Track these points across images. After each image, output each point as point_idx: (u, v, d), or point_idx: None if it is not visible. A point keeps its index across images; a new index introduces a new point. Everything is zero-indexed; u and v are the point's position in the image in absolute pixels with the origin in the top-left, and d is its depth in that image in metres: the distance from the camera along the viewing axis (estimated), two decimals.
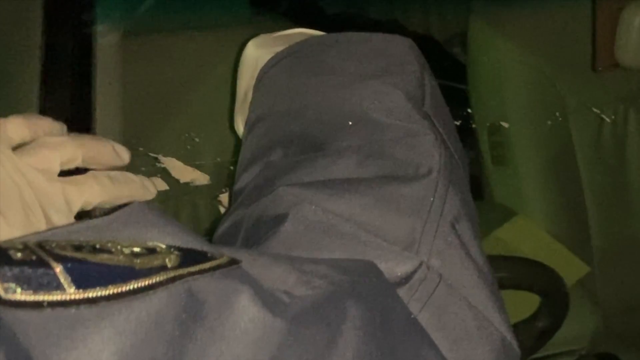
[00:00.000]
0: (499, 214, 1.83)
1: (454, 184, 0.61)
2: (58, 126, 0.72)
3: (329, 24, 2.36)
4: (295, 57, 0.70)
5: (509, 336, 0.59)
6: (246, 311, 0.42)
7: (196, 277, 0.42)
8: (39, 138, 0.66)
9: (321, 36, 0.72)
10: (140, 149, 1.12)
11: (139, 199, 0.74)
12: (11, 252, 0.39)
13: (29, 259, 0.39)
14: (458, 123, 1.88)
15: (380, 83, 0.65)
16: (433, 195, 0.59)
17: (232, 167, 1.16)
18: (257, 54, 0.75)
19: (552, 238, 1.80)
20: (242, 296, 0.43)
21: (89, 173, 0.71)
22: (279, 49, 0.72)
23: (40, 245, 0.41)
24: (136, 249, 0.43)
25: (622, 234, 1.93)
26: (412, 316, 0.53)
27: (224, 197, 1.14)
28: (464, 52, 2.07)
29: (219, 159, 1.16)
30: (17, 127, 0.65)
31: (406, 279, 0.55)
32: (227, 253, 0.47)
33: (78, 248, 0.41)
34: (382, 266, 0.54)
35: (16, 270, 0.38)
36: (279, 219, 0.58)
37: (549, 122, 1.81)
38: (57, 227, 0.46)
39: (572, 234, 1.85)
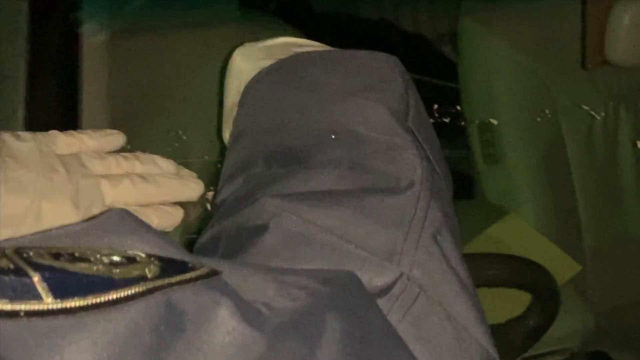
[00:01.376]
0: (490, 213, 1.84)
1: (435, 198, 0.61)
2: (108, 140, 0.77)
3: (319, 23, 2.37)
4: (280, 72, 0.71)
5: (490, 349, 0.59)
6: (225, 324, 0.42)
7: (176, 288, 0.42)
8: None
9: (306, 52, 0.72)
10: (128, 146, 1.11)
11: (178, 199, 0.76)
12: None
13: (7, 267, 0.39)
14: (447, 120, 1.89)
15: (364, 98, 0.65)
16: (415, 207, 0.59)
17: (219, 166, 1.15)
18: (243, 66, 0.75)
19: (544, 236, 1.80)
20: (222, 308, 0.43)
21: (124, 173, 0.74)
22: (265, 62, 0.73)
23: (18, 252, 0.40)
24: (115, 258, 0.43)
25: (613, 232, 1.93)
26: (391, 328, 0.53)
27: (212, 195, 1.14)
28: (454, 51, 2.07)
29: (206, 157, 1.16)
30: (64, 141, 0.71)
31: (386, 289, 0.55)
32: (207, 263, 0.46)
33: (56, 256, 0.41)
34: (362, 277, 0.54)
35: None
36: (259, 229, 0.58)
37: (539, 119, 1.82)
38: (35, 233, 0.46)
39: (564, 232, 1.86)
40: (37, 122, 0.81)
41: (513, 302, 1.44)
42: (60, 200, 0.68)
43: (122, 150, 1.10)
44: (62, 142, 0.72)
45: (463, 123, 1.88)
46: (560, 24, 1.84)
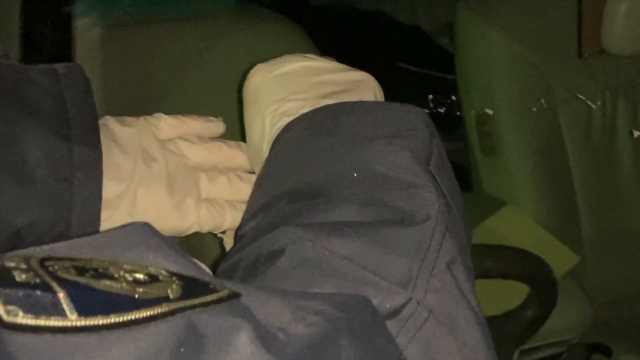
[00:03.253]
0: (488, 205, 1.84)
1: (450, 232, 0.62)
2: (209, 126, 0.84)
3: (315, 15, 2.37)
4: (309, 122, 0.72)
5: None
6: (244, 349, 0.42)
7: (197, 310, 0.43)
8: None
9: (338, 103, 0.73)
10: None
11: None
12: (15, 273, 0.39)
13: (33, 281, 0.39)
14: (442, 110, 1.90)
15: (388, 143, 0.67)
16: (430, 238, 0.60)
17: None
18: (263, 105, 0.78)
19: (542, 228, 1.81)
20: (241, 333, 0.43)
21: (222, 171, 0.80)
22: (288, 103, 0.75)
23: (44, 265, 0.41)
24: (139, 276, 0.43)
25: (612, 223, 1.94)
26: (401, 355, 0.54)
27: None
28: (452, 43, 2.08)
29: None
30: (167, 124, 0.79)
31: (394, 312, 0.56)
32: (227, 285, 0.47)
33: (81, 271, 0.41)
34: (373, 301, 0.55)
35: (20, 293, 0.38)
36: (276, 255, 0.59)
37: (536, 110, 1.82)
38: (59, 243, 0.46)
39: (562, 224, 1.86)
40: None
41: (511, 294, 1.45)
42: (156, 187, 0.73)
43: None
44: (167, 124, 0.78)
45: (458, 113, 1.88)
46: (557, 14, 1.85)
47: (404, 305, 0.56)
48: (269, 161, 0.74)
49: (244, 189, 0.79)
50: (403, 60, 2.18)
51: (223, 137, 1.14)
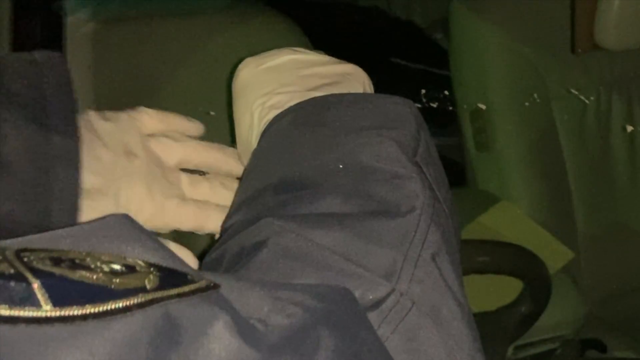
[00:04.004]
0: (482, 200, 1.84)
1: (436, 223, 0.63)
2: (191, 125, 0.83)
3: (309, 10, 2.37)
4: (297, 114, 0.72)
5: None
6: (221, 339, 0.43)
7: (174, 300, 0.43)
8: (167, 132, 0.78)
9: (325, 95, 0.73)
10: None
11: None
12: None
13: (7, 272, 0.39)
14: (435, 105, 1.90)
15: (375, 135, 0.67)
16: (415, 229, 0.61)
17: None
18: (251, 97, 0.78)
19: (536, 224, 1.81)
20: (219, 323, 0.43)
21: (205, 176, 0.79)
22: (277, 96, 0.75)
23: (19, 256, 0.41)
24: (115, 266, 0.43)
25: (606, 219, 1.94)
26: (382, 346, 0.54)
27: None
28: (446, 38, 2.08)
29: None
30: (151, 119, 0.78)
31: (377, 303, 0.56)
32: (206, 276, 0.47)
33: (57, 262, 0.41)
34: (355, 292, 0.55)
35: None
36: (258, 246, 0.59)
37: (530, 105, 1.82)
38: (37, 235, 0.46)
39: (557, 219, 1.86)
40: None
41: (504, 290, 1.45)
42: (136, 182, 0.73)
43: None
44: (150, 119, 0.78)
45: (451, 108, 1.89)
46: (551, 9, 1.85)
47: (386, 297, 0.57)
48: (255, 154, 0.74)
49: (225, 196, 0.79)
50: (397, 55, 2.18)
51: (216, 133, 1.14)
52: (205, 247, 0.98)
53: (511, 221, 1.79)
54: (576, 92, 1.82)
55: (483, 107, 1.84)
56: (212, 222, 0.78)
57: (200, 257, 0.69)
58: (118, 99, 1.14)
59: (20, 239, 0.45)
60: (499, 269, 1.35)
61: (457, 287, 0.62)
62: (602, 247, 1.93)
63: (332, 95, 0.73)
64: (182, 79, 1.21)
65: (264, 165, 0.71)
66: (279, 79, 0.77)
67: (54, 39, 1.09)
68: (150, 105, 1.17)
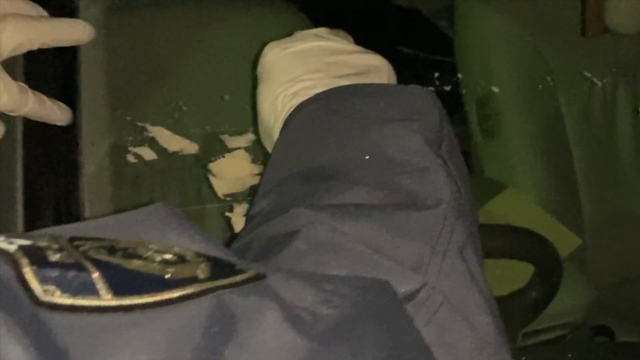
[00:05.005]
0: (488, 188, 1.85)
1: (462, 217, 0.63)
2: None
3: None
4: (321, 102, 0.73)
5: (507, 358, 0.61)
6: (273, 328, 0.43)
7: (227, 290, 0.44)
8: None
9: (350, 85, 0.74)
10: (128, 118, 1.12)
11: (70, 41, 0.77)
12: (49, 253, 0.40)
13: (67, 261, 0.40)
14: (448, 88, 1.90)
15: (400, 127, 0.68)
16: (442, 223, 0.62)
17: (220, 136, 1.17)
18: (275, 83, 0.78)
19: (543, 210, 1.81)
20: (270, 313, 0.44)
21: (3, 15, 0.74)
22: (302, 83, 0.76)
23: (75, 245, 0.42)
24: (167, 256, 0.44)
25: (613, 206, 1.95)
26: (421, 337, 0.54)
27: (213, 166, 1.15)
28: (450, 26, 2.08)
29: (207, 128, 1.17)
30: None
31: (410, 296, 0.57)
32: (252, 267, 0.48)
33: (112, 252, 0.42)
34: None
35: (55, 272, 0.39)
36: (290, 237, 0.60)
37: (536, 92, 1.83)
38: (82, 223, 0.47)
39: (563, 206, 1.87)
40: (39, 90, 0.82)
41: (515, 275, 1.45)
42: None
43: (122, 121, 1.11)
44: None
45: (465, 91, 1.89)
46: None
47: (418, 290, 0.57)
48: (280, 141, 0.74)
49: (41, 29, 0.74)
50: (402, 43, 2.18)
51: (230, 117, 1.15)
52: (222, 237, 0.98)
53: (518, 208, 1.80)
54: (589, 75, 1.83)
55: (488, 94, 1.84)
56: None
57: None
58: (131, 84, 1.15)
59: (68, 226, 0.46)
60: (511, 254, 1.35)
61: (483, 281, 0.63)
62: (608, 234, 1.93)
63: (357, 85, 0.74)
64: (195, 64, 1.22)
65: (289, 153, 0.72)
66: (305, 65, 0.77)
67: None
68: (164, 89, 1.18)
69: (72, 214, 0.96)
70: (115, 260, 0.42)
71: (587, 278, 1.76)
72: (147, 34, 1.24)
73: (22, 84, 0.76)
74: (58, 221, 0.93)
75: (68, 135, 0.95)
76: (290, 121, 0.74)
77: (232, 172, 1.13)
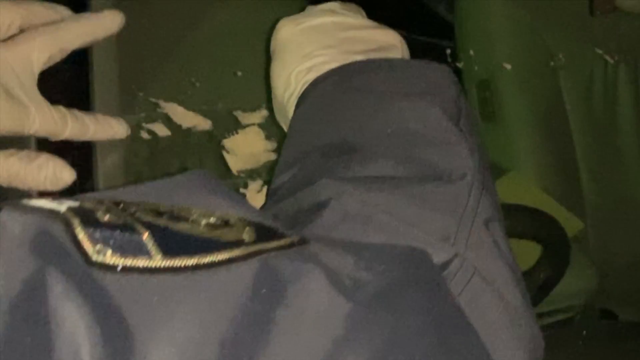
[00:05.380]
0: (491, 172, 1.84)
1: (487, 190, 0.64)
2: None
3: None
4: (338, 77, 0.73)
5: (537, 330, 0.62)
6: (319, 292, 0.44)
7: (273, 253, 0.44)
8: None
9: (365, 60, 0.74)
10: (140, 94, 1.12)
11: (95, 38, 0.76)
12: (98, 214, 0.40)
13: (117, 222, 0.40)
14: (461, 65, 1.90)
15: (419, 100, 0.69)
16: (468, 195, 0.62)
17: (233, 112, 1.17)
18: (289, 57, 0.78)
19: (545, 194, 1.82)
20: (315, 277, 0.44)
21: (27, 30, 0.73)
22: (316, 59, 0.76)
23: (122, 208, 0.42)
24: (212, 220, 0.44)
25: (614, 191, 1.95)
26: (459, 304, 0.55)
27: (227, 142, 1.15)
28: (449, 10, 2.08)
29: (220, 104, 1.17)
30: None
31: (442, 267, 0.57)
32: (294, 232, 0.48)
33: (158, 214, 0.43)
34: None
35: (106, 232, 0.39)
36: (319, 207, 0.60)
37: (537, 76, 1.83)
38: (123, 188, 0.47)
39: (564, 190, 1.87)
40: (49, 71, 0.81)
41: (523, 256, 1.46)
42: None
43: (135, 97, 1.11)
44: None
45: (465, 75, 1.89)
46: None
47: (450, 261, 0.58)
48: (298, 116, 0.75)
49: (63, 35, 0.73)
50: (399, 28, 2.18)
51: (243, 93, 1.14)
52: None
53: (521, 191, 1.80)
54: (600, 52, 1.83)
55: (490, 77, 1.84)
56: (69, 128, 0.75)
57: None
58: (143, 61, 1.15)
59: (109, 192, 0.46)
60: (519, 233, 1.36)
61: (509, 254, 0.63)
62: (610, 219, 1.94)
63: (373, 60, 0.74)
64: (207, 40, 1.22)
65: (308, 127, 0.72)
66: (319, 40, 0.77)
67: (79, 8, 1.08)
68: (176, 66, 1.18)
69: (85, 190, 0.95)
70: (163, 222, 0.42)
71: (590, 262, 1.77)
72: (158, 11, 1.24)
73: (62, 109, 0.75)
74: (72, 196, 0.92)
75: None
76: (306, 96, 0.74)
77: (246, 148, 1.13)
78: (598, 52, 1.85)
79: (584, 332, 1.58)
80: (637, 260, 1.94)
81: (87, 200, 0.42)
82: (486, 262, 0.60)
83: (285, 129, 0.82)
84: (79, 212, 0.39)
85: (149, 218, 0.42)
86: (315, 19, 0.79)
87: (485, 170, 0.67)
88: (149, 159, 1.10)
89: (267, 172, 1.15)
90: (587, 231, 1.88)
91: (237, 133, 1.15)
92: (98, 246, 0.38)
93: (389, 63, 0.74)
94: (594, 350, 1.54)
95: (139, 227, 0.40)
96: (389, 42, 0.80)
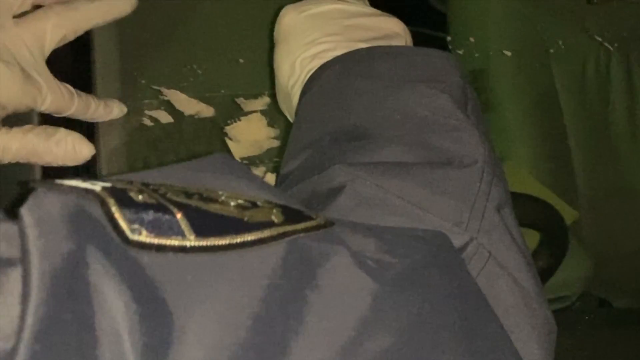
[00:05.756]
0: None
1: (498, 177, 0.65)
2: None
3: None
4: (344, 63, 0.75)
5: (549, 314, 0.63)
6: (347, 272, 0.45)
7: (301, 235, 0.45)
8: None
9: (372, 47, 0.76)
10: (143, 81, 1.12)
11: (108, 19, 0.77)
12: (131, 194, 0.41)
13: (150, 202, 0.41)
14: (461, 52, 1.91)
15: (427, 87, 0.70)
16: (479, 181, 0.63)
17: (236, 99, 1.17)
18: (293, 44, 0.78)
19: (540, 184, 1.83)
20: (342, 258, 0.45)
21: (42, 8, 0.73)
22: (320, 46, 0.77)
23: (154, 189, 0.42)
24: (240, 201, 0.45)
25: (607, 180, 1.96)
26: (478, 287, 0.56)
27: (230, 129, 1.15)
28: (440, 0, 2.09)
29: (223, 91, 1.17)
30: None
31: (459, 250, 0.58)
32: (320, 215, 0.49)
33: (188, 195, 0.43)
34: None
35: (140, 212, 0.40)
36: (334, 192, 0.61)
37: (528, 64, 1.84)
38: (148, 171, 0.48)
39: (558, 180, 1.88)
40: (51, 58, 0.81)
41: None
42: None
43: (137, 84, 1.11)
44: None
45: (471, 56, 1.90)
46: None
47: (466, 245, 0.59)
48: (305, 103, 0.75)
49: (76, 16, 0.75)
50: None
51: (246, 80, 1.14)
52: None
53: (517, 181, 1.81)
54: (600, 39, 1.84)
55: (483, 67, 1.85)
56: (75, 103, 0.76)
57: None
58: (144, 48, 1.15)
59: (134, 174, 0.46)
60: (520, 221, 1.36)
61: (521, 240, 0.64)
62: (603, 208, 1.95)
63: (378, 47, 0.75)
64: (209, 27, 1.21)
65: (317, 113, 0.73)
66: (323, 28, 0.78)
67: None
68: (177, 53, 1.18)
69: (90, 176, 0.96)
70: (194, 202, 0.42)
71: (584, 251, 1.78)
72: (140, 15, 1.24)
73: (69, 86, 0.76)
74: None
75: None
76: (311, 84, 0.75)
77: (249, 135, 1.13)
78: (596, 40, 1.86)
79: (587, 317, 1.59)
80: (630, 250, 1.96)
81: (117, 181, 0.42)
82: (499, 248, 0.61)
83: (288, 116, 0.83)
84: (113, 192, 0.40)
85: (180, 199, 0.42)
86: (319, 6, 0.80)
87: (495, 156, 0.68)
88: (152, 145, 1.10)
89: (270, 159, 1.15)
90: (581, 221, 1.89)
91: (239, 120, 1.15)
92: (133, 225, 0.39)
93: (394, 50, 0.75)
94: (594, 337, 1.56)
95: (172, 207, 0.41)
96: (392, 30, 0.80)
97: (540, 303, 0.63)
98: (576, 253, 1.72)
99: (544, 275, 1.46)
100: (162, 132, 1.10)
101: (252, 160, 1.14)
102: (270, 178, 1.13)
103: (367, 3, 0.88)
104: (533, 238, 1.45)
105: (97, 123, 0.94)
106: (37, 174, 0.85)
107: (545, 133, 1.87)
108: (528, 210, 1.38)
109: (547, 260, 1.44)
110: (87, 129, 0.94)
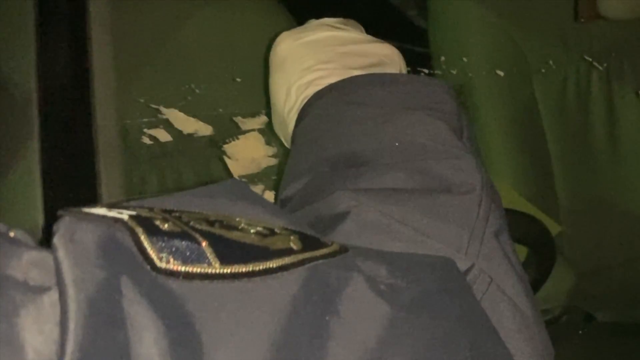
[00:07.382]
0: None
1: (495, 203, 0.67)
2: None
3: None
4: (340, 91, 0.76)
5: (547, 338, 0.65)
6: (364, 298, 0.47)
7: (321, 261, 0.47)
8: None
9: (367, 74, 0.77)
10: (141, 100, 1.14)
11: None
12: (157, 223, 0.42)
13: (176, 231, 0.42)
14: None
15: (424, 114, 0.71)
16: (478, 208, 0.65)
17: (233, 118, 1.20)
18: (291, 70, 0.81)
19: (522, 197, 1.85)
20: (358, 284, 0.47)
21: None
22: (316, 73, 0.79)
23: (178, 217, 0.44)
24: (259, 229, 0.46)
25: (588, 194, 1.99)
26: (484, 311, 0.58)
27: (228, 148, 1.18)
28: (420, 15, 2.11)
29: (220, 110, 1.19)
30: None
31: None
32: (334, 241, 0.51)
33: (210, 223, 0.45)
34: None
35: (168, 241, 0.41)
36: (338, 218, 0.63)
37: (508, 79, 1.87)
38: (165, 196, 0.49)
39: (540, 193, 1.90)
40: (49, 77, 0.84)
41: None
42: None
43: (136, 103, 1.14)
44: None
45: (452, 73, 1.92)
46: None
47: (468, 270, 0.61)
48: (303, 128, 0.77)
49: None
50: (371, 32, 2.20)
51: (242, 99, 1.17)
52: None
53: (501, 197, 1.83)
54: (589, 59, 1.87)
55: (464, 82, 1.87)
56: None
57: None
58: (142, 67, 1.17)
59: (153, 199, 0.48)
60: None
61: (518, 265, 0.67)
62: (584, 222, 1.98)
63: (373, 74, 0.77)
64: (206, 46, 1.24)
65: (314, 140, 0.74)
66: (318, 55, 0.80)
67: (78, 11, 1.11)
68: (175, 72, 1.21)
69: (88, 197, 0.98)
70: (217, 230, 0.44)
71: (567, 264, 1.81)
72: (157, 17, 1.25)
73: None
74: (75, 203, 0.95)
75: (82, 118, 0.97)
76: (307, 110, 0.76)
77: (247, 153, 1.15)
78: (577, 57, 1.89)
79: (579, 332, 1.62)
80: (612, 262, 1.99)
81: (140, 209, 0.44)
82: (498, 272, 0.63)
83: (284, 140, 0.84)
84: (140, 220, 0.41)
85: (203, 227, 0.44)
86: (314, 33, 0.82)
87: (491, 183, 0.71)
88: (151, 163, 1.12)
89: (268, 177, 1.18)
90: (562, 234, 1.92)
91: (237, 138, 1.17)
92: (162, 254, 0.40)
93: (389, 77, 0.77)
94: (585, 350, 1.58)
95: (197, 235, 0.42)
96: (387, 57, 0.82)
97: (539, 327, 0.65)
98: (559, 266, 1.75)
99: (532, 288, 1.49)
100: (161, 150, 1.12)
101: (250, 178, 1.16)
102: (269, 196, 1.15)
103: (363, 30, 0.90)
104: (519, 253, 1.47)
105: (96, 141, 0.96)
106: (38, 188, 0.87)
107: (526, 147, 1.90)
108: (516, 226, 1.41)
109: (533, 274, 1.47)
110: (86, 146, 0.97)
